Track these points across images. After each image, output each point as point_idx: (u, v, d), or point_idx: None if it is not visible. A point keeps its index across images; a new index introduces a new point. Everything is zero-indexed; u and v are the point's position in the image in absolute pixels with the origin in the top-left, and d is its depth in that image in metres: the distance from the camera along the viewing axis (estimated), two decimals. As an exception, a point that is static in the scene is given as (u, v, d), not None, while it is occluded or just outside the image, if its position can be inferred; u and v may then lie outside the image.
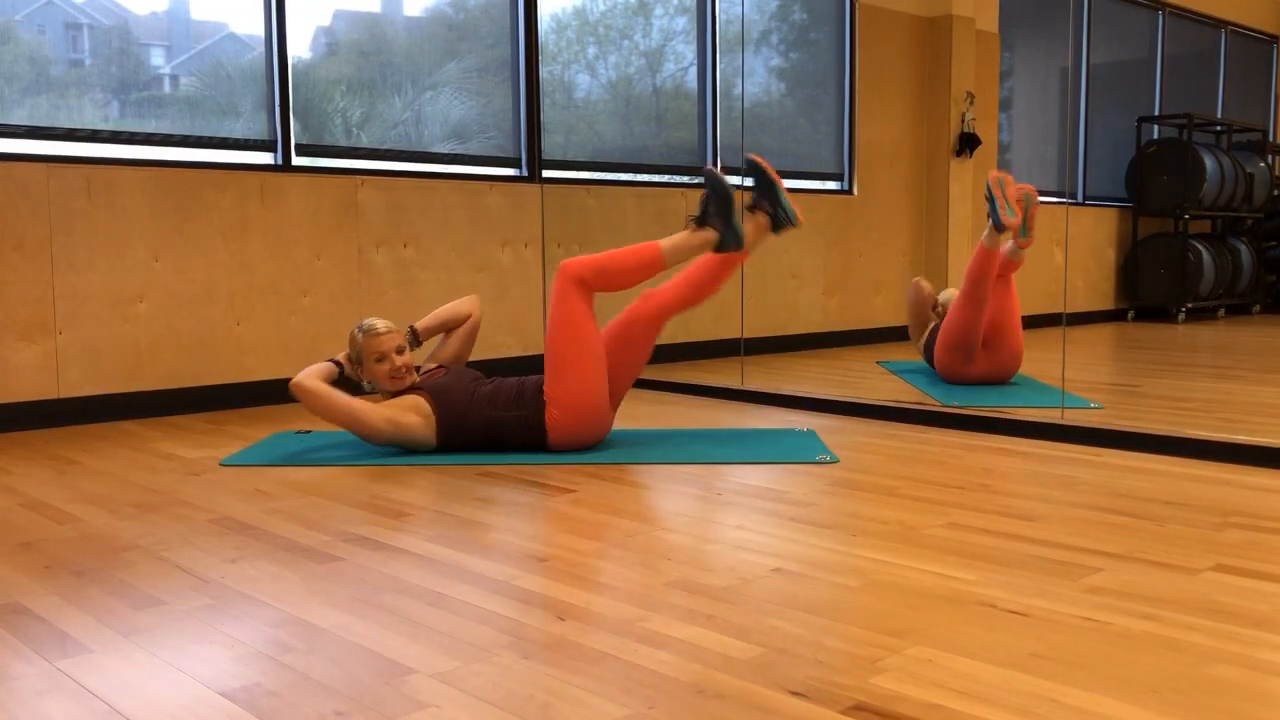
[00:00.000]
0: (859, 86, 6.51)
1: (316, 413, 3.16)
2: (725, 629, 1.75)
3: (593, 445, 3.28)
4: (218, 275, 4.19)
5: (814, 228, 6.32)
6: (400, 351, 3.24)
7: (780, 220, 3.38)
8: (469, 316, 3.56)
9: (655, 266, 3.28)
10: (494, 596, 1.93)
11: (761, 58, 6.34)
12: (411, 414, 3.17)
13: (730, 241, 3.28)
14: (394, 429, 3.15)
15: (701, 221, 3.29)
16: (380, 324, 3.25)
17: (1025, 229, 4.51)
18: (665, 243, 3.29)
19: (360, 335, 3.25)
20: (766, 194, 3.38)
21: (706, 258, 3.35)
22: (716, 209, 3.27)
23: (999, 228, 4.46)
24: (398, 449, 3.25)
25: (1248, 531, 2.34)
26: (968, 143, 6.62)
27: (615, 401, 3.34)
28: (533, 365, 4.78)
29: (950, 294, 4.88)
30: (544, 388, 3.21)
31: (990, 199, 4.51)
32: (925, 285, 5.05)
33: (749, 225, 3.36)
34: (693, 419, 3.96)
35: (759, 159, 3.40)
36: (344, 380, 3.27)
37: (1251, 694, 1.49)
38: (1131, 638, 1.70)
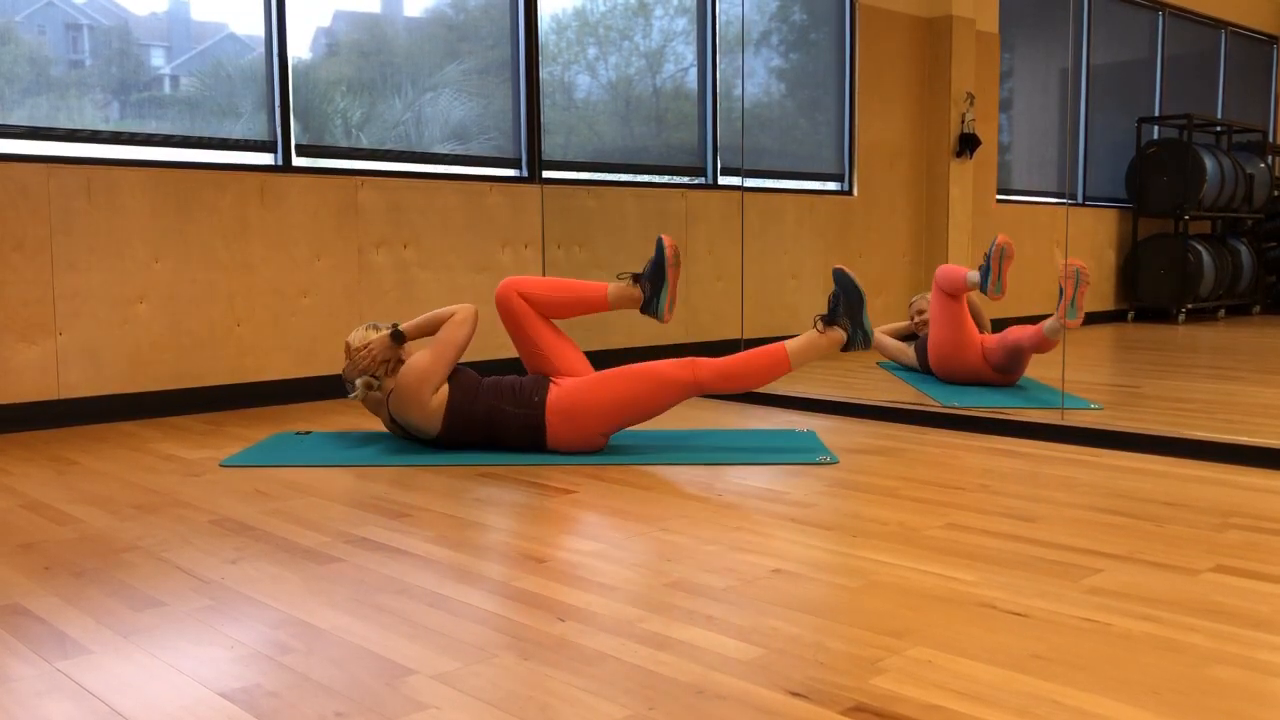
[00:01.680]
0: (859, 87, 6.51)
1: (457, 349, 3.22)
2: (725, 630, 1.75)
3: (592, 450, 3.29)
4: (218, 276, 4.19)
5: (814, 228, 6.32)
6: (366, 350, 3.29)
7: (855, 342, 3.32)
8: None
9: (781, 369, 3.27)
10: (494, 597, 1.93)
11: (761, 58, 6.34)
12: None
13: (858, 342, 3.28)
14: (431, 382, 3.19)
15: (830, 321, 3.29)
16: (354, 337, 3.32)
17: (1075, 308, 4.26)
18: (792, 345, 3.28)
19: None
20: (852, 311, 3.31)
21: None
22: (847, 309, 3.28)
23: (981, 289, 4.46)
24: (398, 445, 3.25)
25: (1248, 532, 2.34)
26: (968, 143, 6.62)
27: (604, 431, 3.32)
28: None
29: (926, 299, 4.90)
30: (549, 399, 3.21)
31: (985, 268, 4.45)
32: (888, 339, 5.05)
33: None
34: (692, 420, 3.96)
35: (849, 271, 3.33)
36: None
37: (1251, 695, 1.49)
38: (1131, 638, 1.70)
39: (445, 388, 3.22)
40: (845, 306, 3.31)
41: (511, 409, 3.22)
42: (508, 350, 4.99)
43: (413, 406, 3.19)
